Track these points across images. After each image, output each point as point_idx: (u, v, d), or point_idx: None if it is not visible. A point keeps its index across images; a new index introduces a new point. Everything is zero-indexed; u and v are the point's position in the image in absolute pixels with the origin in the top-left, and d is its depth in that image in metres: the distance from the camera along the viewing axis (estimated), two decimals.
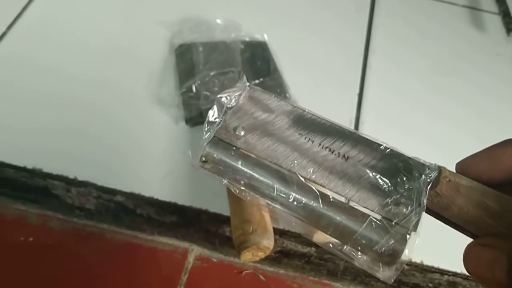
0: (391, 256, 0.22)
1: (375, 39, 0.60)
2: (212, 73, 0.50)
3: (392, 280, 0.22)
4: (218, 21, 0.56)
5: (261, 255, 0.39)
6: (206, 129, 0.25)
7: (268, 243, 0.38)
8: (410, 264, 0.42)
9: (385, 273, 0.22)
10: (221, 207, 0.42)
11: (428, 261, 0.42)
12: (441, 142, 0.50)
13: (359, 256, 0.23)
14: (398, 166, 0.23)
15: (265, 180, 0.24)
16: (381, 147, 0.24)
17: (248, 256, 0.39)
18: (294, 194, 0.24)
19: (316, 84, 0.54)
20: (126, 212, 0.43)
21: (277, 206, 0.24)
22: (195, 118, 0.48)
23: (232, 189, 0.24)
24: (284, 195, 0.24)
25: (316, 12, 0.63)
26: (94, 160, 0.45)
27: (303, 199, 0.23)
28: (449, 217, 0.21)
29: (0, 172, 0.44)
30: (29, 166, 0.44)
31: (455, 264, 0.41)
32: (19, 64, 0.52)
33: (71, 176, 0.44)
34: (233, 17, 0.57)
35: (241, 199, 0.39)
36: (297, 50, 0.58)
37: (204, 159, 0.24)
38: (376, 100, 0.54)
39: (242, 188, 0.24)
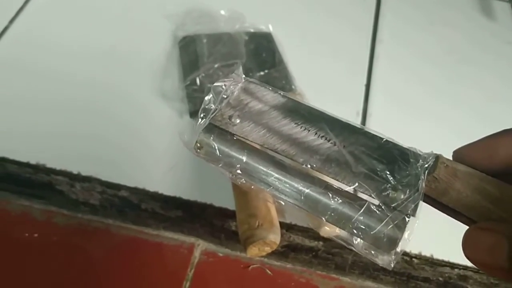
0: (390, 241, 0.21)
1: (382, 29, 0.59)
2: (216, 65, 0.49)
3: (392, 265, 0.22)
4: (222, 12, 0.56)
5: (268, 249, 0.39)
6: (201, 116, 0.25)
7: (275, 237, 0.37)
8: (420, 257, 0.41)
9: (384, 259, 0.22)
10: (227, 201, 0.42)
11: (438, 255, 0.41)
12: (451, 132, 0.49)
13: (358, 242, 0.23)
14: (395, 154, 0.23)
15: (260, 165, 0.24)
16: (378, 137, 0.24)
17: (254, 251, 0.38)
18: (289, 180, 0.24)
19: (323, 76, 0.53)
20: (131, 207, 0.42)
21: (273, 192, 0.23)
22: None
23: (228, 176, 0.24)
24: (279, 181, 0.24)
25: (322, 2, 0.62)
26: (98, 154, 0.45)
27: (299, 184, 0.23)
28: (448, 202, 0.21)
29: (3, 168, 0.43)
30: (33, 162, 0.44)
31: (465, 258, 0.41)
32: (20, 58, 0.52)
33: (75, 171, 0.43)
34: (237, 8, 0.56)
35: (247, 193, 0.39)
36: (302, 41, 0.57)
37: (198, 145, 0.24)
38: (384, 91, 0.53)
39: (238, 174, 0.24)
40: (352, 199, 0.23)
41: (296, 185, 0.23)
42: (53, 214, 0.42)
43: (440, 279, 0.41)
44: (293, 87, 0.50)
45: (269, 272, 0.41)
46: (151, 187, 0.43)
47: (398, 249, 0.21)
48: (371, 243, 0.22)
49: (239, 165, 0.24)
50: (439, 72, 0.56)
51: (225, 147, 0.24)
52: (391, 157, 0.23)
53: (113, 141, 0.46)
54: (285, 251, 0.41)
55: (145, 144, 0.46)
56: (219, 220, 0.42)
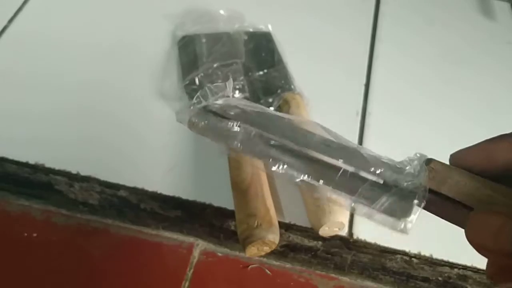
0: (404, 208, 0.22)
1: (382, 28, 0.59)
2: (215, 65, 0.49)
3: (410, 226, 0.22)
4: (221, 12, 0.56)
5: (267, 249, 0.39)
6: (195, 101, 0.26)
7: (274, 237, 0.37)
8: (419, 257, 0.41)
9: (399, 225, 0.22)
10: (226, 201, 0.42)
11: (438, 255, 0.41)
12: (450, 133, 0.49)
13: (367, 211, 0.23)
14: (390, 160, 0.24)
15: (261, 136, 0.24)
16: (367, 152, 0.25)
17: (253, 251, 0.38)
18: (294, 146, 0.23)
19: (322, 75, 0.53)
20: (130, 207, 0.42)
21: (276, 162, 0.24)
22: None
23: (223, 148, 0.25)
24: (282, 148, 0.23)
25: (321, 1, 0.62)
26: (96, 154, 0.45)
27: (307, 149, 0.23)
28: (448, 192, 0.21)
29: (2, 168, 0.43)
30: (32, 162, 0.44)
31: (465, 257, 0.41)
32: (20, 57, 0.52)
33: (74, 171, 0.43)
34: (236, 8, 0.56)
35: (246, 193, 0.39)
36: (302, 40, 0.57)
37: (195, 119, 0.25)
38: (383, 90, 0.53)
39: (238, 139, 0.24)
40: (361, 163, 0.23)
41: (303, 151, 0.23)
42: (52, 214, 0.42)
43: (440, 278, 0.41)
44: (292, 86, 0.50)
45: (268, 272, 0.40)
46: (150, 187, 0.43)
47: (414, 215, 0.22)
48: (383, 211, 0.22)
49: (239, 135, 0.24)
50: (438, 71, 0.56)
51: (223, 119, 0.25)
52: (387, 158, 0.23)
53: (112, 141, 0.46)
54: (284, 251, 0.41)
55: (144, 143, 0.46)
56: (218, 220, 0.42)
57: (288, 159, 0.23)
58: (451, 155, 0.23)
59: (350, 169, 0.23)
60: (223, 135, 0.24)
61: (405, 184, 0.22)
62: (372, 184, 0.22)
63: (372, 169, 0.22)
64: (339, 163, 0.23)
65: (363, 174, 0.23)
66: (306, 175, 0.23)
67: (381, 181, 0.22)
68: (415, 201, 0.21)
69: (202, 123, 0.25)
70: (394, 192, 0.22)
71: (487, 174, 0.21)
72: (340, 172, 0.23)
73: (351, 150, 0.23)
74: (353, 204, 0.23)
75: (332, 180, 0.23)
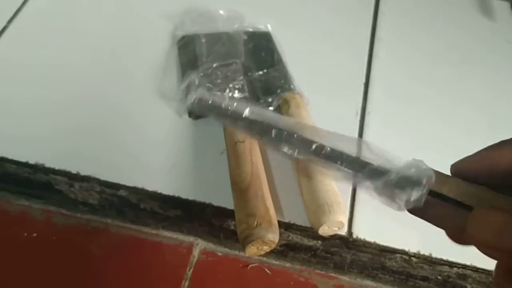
0: (415, 180, 0.22)
1: (381, 27, 0.59)
2: (215, 65, 0.49)
3: (423, 199, 0.22)
4: (221, 12, 0.56)
5: (266, 249, 0.39)
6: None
7: (273, 236, 0.37)
8: (418, 256, 0.41)
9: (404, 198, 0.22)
10: (225, 200, 0.42)
11: (437, 254, 0.41)
12: (449, 131, 0.49)
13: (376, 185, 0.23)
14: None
15: (267, 116, 0.25)
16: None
17: (253, 250, 0.38)
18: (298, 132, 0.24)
19: (321, 75, 0.53)
20: (130, 207, 0.42)
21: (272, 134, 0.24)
22: None
23: (229, 125, 0.26)
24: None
25: (321, 1, 0.62)
26: (96, 154, 0.45)
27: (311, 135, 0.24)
28: (448, 192, 0.21)
29: (2, 168, 0.43)
30: (32, 161, 0.44)
31: (464, 257, 0.41)
32: (20, 57, 0.52)
33: (74, 171, 0.43)
34: (236, 8, 0.56)
35: (246, 193, 0.39)
36: (301, 40, 0.57)
37: (197, 99, 0.26)
38: (382, 90, 0.53)
39: (238, 124, 0.25)
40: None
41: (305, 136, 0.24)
42: (52, 214, 0.42)
43: (439, 278, 0.41)
44: (291, 86, 0.50)
45: (268, 271, 0.41)
46: (150, 187, 0.43)
47: (417, 192, 0.22)
48: (394, 184, 0.22)
49: (245, 112, 0.25)
50: (438, 70, 0.56)
51: (226, 100, 0.26)
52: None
53: (112, 140, 0.46)
54: (284, 250, 0.41)
55: (144, 143, 0.46)
56: (218, 220, 0.42)
57: (292, 139, 0.24)
58: (452, 165, 0.22)
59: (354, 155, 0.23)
60: (229, 114, 0.25)
61: (411, 170, 0.22)
62: (376, 166, 0.23)
63: (375, 157, 0.23)
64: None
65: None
66: (310, 151, 0.24)
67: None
68: (423, 180, 0.22)
69: (210, 100, 0.26)
70: (398, 170, 0.22)
71: (489, 183, 0.21)
72: (345, 153, 0.23)
73: (354, 142, 0.24)
74: (356, 182, 0.23)
75: (337, 158, 0.23)
